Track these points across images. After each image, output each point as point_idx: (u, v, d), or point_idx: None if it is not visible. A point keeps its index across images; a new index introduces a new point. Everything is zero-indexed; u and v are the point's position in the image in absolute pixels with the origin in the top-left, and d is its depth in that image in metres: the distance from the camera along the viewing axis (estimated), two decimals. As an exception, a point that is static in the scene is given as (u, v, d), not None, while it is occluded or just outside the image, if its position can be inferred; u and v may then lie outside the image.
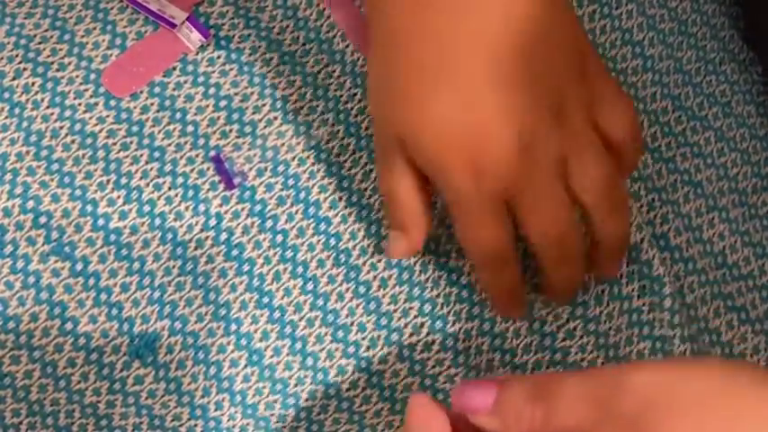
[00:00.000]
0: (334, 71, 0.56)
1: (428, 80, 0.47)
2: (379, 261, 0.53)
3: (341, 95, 0.55)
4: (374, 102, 0.50)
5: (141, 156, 0.53)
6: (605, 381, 0.40)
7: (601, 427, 0.39)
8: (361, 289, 0.53)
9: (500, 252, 0.50)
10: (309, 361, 0.53)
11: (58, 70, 0.54)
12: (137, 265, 0.52)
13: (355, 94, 0.55)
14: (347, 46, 0.55)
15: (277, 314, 0.53)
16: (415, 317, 0.53)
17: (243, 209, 0.53)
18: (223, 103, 0.54)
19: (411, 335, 0.53)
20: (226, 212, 0.53)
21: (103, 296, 0.52)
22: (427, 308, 0.53)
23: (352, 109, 0.55)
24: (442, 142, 0.48)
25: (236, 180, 0.53)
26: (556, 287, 0.52)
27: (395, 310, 0.53)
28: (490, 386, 0.43)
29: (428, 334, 0.53)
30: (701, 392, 0.38)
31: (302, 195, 0.53)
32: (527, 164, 0.47)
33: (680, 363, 0.41)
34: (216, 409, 0.52)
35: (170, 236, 0.53)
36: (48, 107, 0.54)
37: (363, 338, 0.53)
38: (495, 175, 0.47)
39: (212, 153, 0.53)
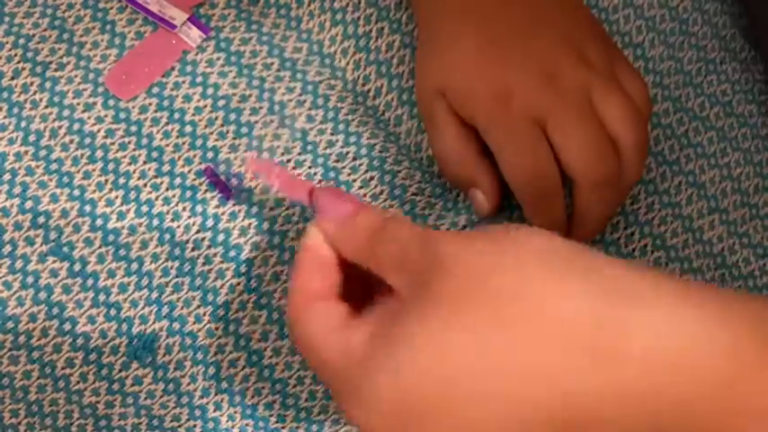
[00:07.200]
0: (335, 85, 0.55)
1: (455, 29, 0.51)
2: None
3: (341, 107, 0.55)
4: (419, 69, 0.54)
5: (139, 156, 0.53)
6: (422, 238, 0.40)
7: (396, 272, 0.41)
8: None
9: (543, 178, 0.50)
10: (309, 361, 0.53)
11: (56, 70, 0.54)
12: (135, 265, 0.52)
13: (357, 110, 0.55)
14: (348, 63, 0.55)
15: (276, 315, 0.53)
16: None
17: (240, 210, 0.53)
18: (221, 104, 0.54)
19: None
20: (223, 213, 0.53)
21: (102, 296, 0.52)
22: None
23: (352, 121, 0.55)
24: (468, 75, 0.51)
25: (233, 182, 0.53)
26: (592, 214, 0.52)
27: None
28: (353, 203, 0.44)
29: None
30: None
31: (299, 198, 0.53)
32: (553, 89, 0.50)
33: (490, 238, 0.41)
34: (215, 410, 0.52)
35: (168, 236, 0.53)
36: (46, 107, 0.54)
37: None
38: (523, 96, 0.50)
39: (202, 166, 0.53)
